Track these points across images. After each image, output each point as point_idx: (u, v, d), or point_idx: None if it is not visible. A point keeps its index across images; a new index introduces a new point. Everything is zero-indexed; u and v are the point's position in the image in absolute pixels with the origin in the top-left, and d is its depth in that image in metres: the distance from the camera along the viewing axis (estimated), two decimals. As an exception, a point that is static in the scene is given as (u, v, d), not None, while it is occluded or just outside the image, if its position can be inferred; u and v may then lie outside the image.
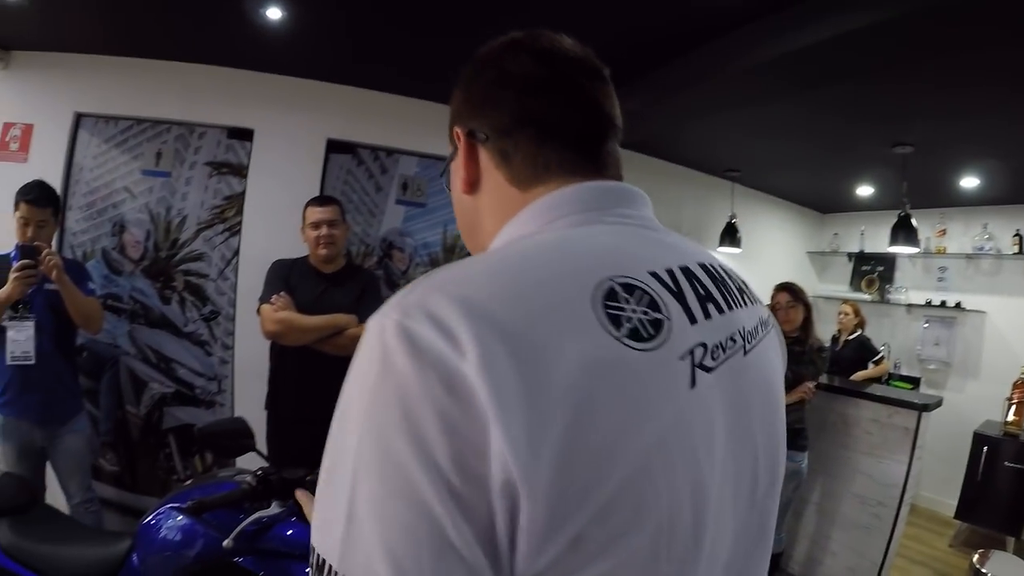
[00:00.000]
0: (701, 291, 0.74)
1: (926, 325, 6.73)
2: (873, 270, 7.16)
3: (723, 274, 0.82)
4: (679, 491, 0.62)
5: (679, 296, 0.70)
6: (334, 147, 4.35)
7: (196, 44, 3.86)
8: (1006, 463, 5.30)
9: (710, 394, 0.67)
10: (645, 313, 0.65)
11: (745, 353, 0.77)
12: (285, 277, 3.33)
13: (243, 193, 4.18)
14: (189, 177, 4.18)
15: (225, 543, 1.87)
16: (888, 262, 7.07)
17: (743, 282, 0.89)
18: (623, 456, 0.58)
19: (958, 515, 5.56)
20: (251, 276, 3.95)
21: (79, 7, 3.41)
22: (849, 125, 4.42)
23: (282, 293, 3.21)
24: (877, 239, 5.40)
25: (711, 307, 0.74)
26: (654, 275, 0.69)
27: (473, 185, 0.88)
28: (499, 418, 0.53)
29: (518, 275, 0.64)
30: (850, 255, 7.37)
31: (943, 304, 6.55)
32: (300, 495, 1.24)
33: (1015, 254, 6.14)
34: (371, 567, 0.54)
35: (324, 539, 0.59)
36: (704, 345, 0.69)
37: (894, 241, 5.28)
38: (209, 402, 4.25)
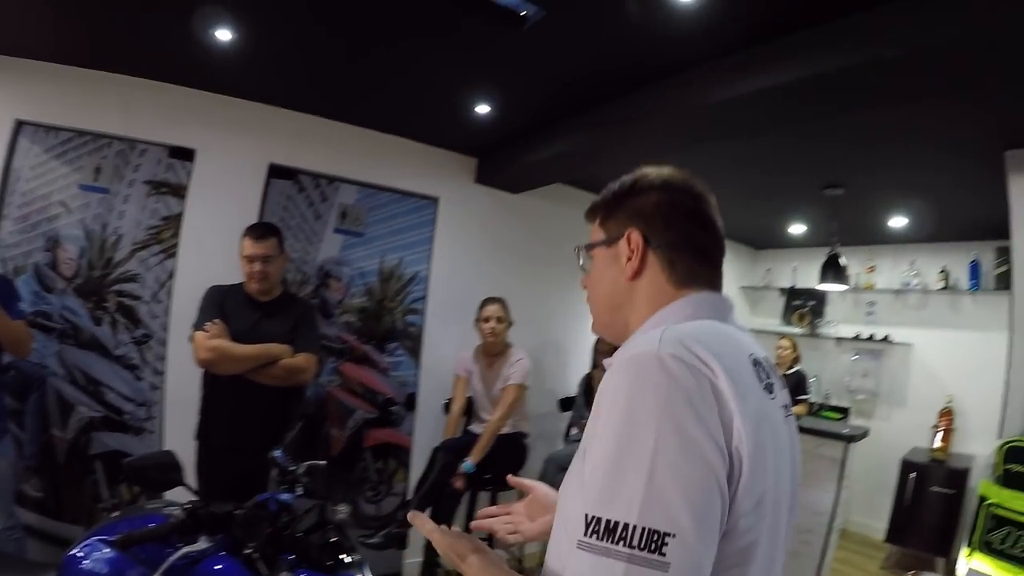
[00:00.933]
0: (773, 372, 1.12)
1: (855, 357, 6.94)
2: (804, 304, 7.34)
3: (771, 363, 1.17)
4: (782, 485, 1.04)
5: (772, 372, 1.10)
6: (276, 172, 4.33)
7: (144, 59, 3.78)
8: (933, 488, 5.54)
9: (788, 432, 1.10)
10: (767, 378, 1.07)
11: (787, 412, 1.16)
12: (220, 304, 3.28)
13: (181, 215, 4.10)
14: (127, 195, 4.07)
15: (153, 578, 1.84)
16: (819, 297, 7.28)
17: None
18: (768, 460, 0.97)
19: (888, 539, 5.81)
20: (185, 300, 3.87)
21: (27, 11, 3.30)
22: (782, 169, 4.58)
23: (216, 320, 3.16)
24: (808, 275, 5.65)
25: (778, 382, 1.12)
26: (763, 358, 1.11)
27: (637, 275, 1.19)
28: (739, 414, 0.92)
29: (718, 340, 1.03)
30: (782, 290, 7.57)
31: (871, 337, 6.76)
32: (415, 518, 1.29)
33: (940, 289, 6.38)
34: (672, 511, 0.85)
35: (617, 505, 0.87)
36: (784, 403, 1.12)
37: (823, 279, 5.51)
38: (138, 428, 4.11)
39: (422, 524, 1.27)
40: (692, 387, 0.91)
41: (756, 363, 1.06)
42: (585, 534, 0.89)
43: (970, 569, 3.02)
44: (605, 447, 0.92)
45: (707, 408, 0.91)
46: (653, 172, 1.25)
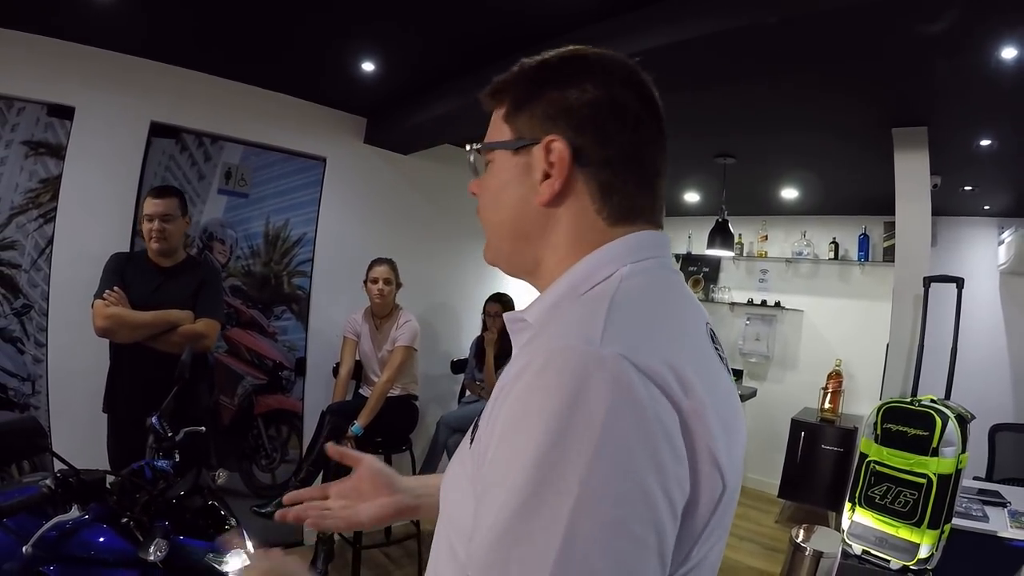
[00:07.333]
0: (717, 338, 0.90)
1: (747, 322, 7.20)
2: (699, 271, 7.58)
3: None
4: (737, 481, 0.79)
5: (717, 339, 0.88)
6: (157, 131, 4.15)
7: (19, 11, 3.52)
8: (823, 446, 5.86)
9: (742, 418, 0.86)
10: (721, 352, 0.86)
11: None
12: (120, 271, 3.24)
13: (60, 176, 3.89)
14: (4, 157, 3.80)
15: (25, 549, 1.79)
16: (713, 264, 7.52)
17: None
18: (739, 449, 0.77)
19: (781, 494, 6.11)
20: (65, 267, 3.75)
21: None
22: (674, 134, 4.60)
23: (115, 288, 3.12)
24: (703, 242, 5.76)
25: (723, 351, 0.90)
26: (710, 323, 0.87)
27: (557, 200, 0.87)
28: (717, 447, 0.69)
29: (680, 321, 0.80)
30: (678, 256, 7.68)
31: (764, 303, 7.05)
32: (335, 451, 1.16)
33: (830, 259, 6.68)
34: None
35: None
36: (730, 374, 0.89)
37: (711, 244, 5.66)
38: (24, 405, 3.89)
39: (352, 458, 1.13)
40: (652, 416, 0.64)
41: (713, 336, 0.85)
42: None
43: (852, 522, 3.13)
44: (508, 485, 0.64)
45: (671, 449, 0.65)
46: (590, 53, 0.90)
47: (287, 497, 1.14)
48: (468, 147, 0.98)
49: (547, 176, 0.86)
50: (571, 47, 0.91)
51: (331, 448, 1.24)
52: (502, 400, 0.70)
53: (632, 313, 0.74)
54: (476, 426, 0.83)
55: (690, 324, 0.81)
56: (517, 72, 0.92)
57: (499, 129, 0.93)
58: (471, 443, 0.82)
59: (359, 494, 1.19)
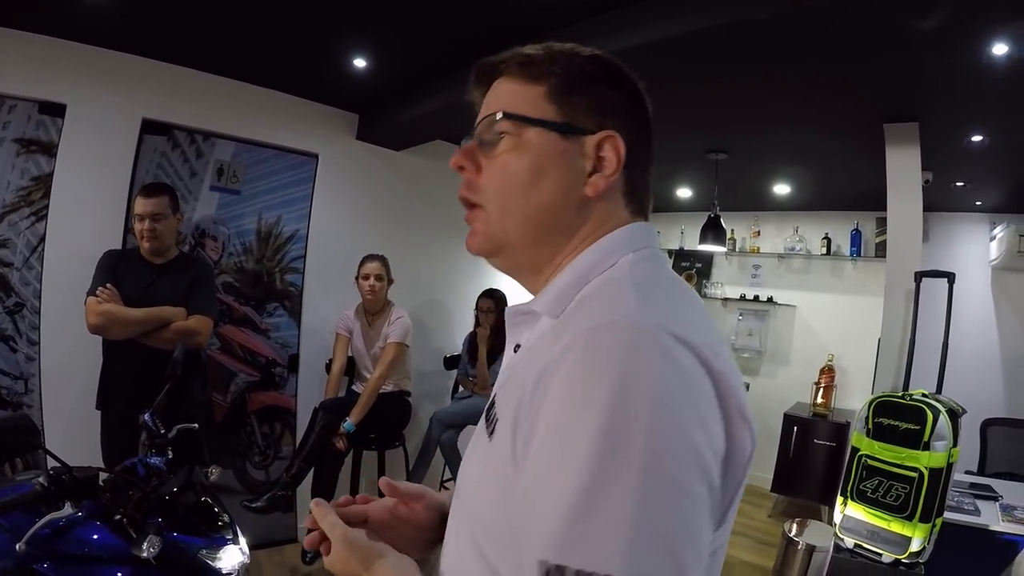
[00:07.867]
0: None
1: (740, 317, 7.22)
2: (692, 266, 7.57)
3: None
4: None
5: None
6: (149, 128, 4.13)
7: (10, 8, 3.50)
8: (816, 440, 5.91)
9: None
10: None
11: None
12: (112, 268, 3.24)
13: (52, 174, 3.86)
14: None
15: (18, 546, 1.78)
16: (706, 259, 7.52)
17: None
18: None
19: (774, 488, 6.13)
20: (58, 265, 3.74)
21: None
22: (665, 130, 4.59)
23: (108, 285, 3.12)
24: (696, 238, 5.77)
25: None
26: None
27: (604, 193, 0.88)
28: (743, 406, 0.73)
29: (693, 300, 0.84)
30: (670, 252, 7.70)
31: (756, 298, 7.06)
32: (319, 507, 0.97)
33: (823, 255, 6.69)
34: (673, 551, 0.62)
35: (595, 548, 0.61)
36: None
37: (703, 240, 5.69)
38: (16, 404, 3.88)
39: (323, 515, 0.95)
40: (695, 381, 0.68)
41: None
42: None
43: (844, 516, 3.15)
44: (573, 463, 0.63)
45: (711, 409, 0.69)
46: (613, 58, 0.93)
47: (315, 502, 1.00)
48: (496, 116, 0.89)
49: (597, 170, 0.88)
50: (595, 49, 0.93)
51: (384, 483, 1.09)
52: (543, 385, 0.71)
53: (656, 291, 0.78)
54: (492, 420, 0.83)
55: (698, 304, 0.85)
56: (559, 53, 0.90)
57: (536, 106, 0.88)
58: (490, 436, 0.82)
59: (409, 521, 1.09)
